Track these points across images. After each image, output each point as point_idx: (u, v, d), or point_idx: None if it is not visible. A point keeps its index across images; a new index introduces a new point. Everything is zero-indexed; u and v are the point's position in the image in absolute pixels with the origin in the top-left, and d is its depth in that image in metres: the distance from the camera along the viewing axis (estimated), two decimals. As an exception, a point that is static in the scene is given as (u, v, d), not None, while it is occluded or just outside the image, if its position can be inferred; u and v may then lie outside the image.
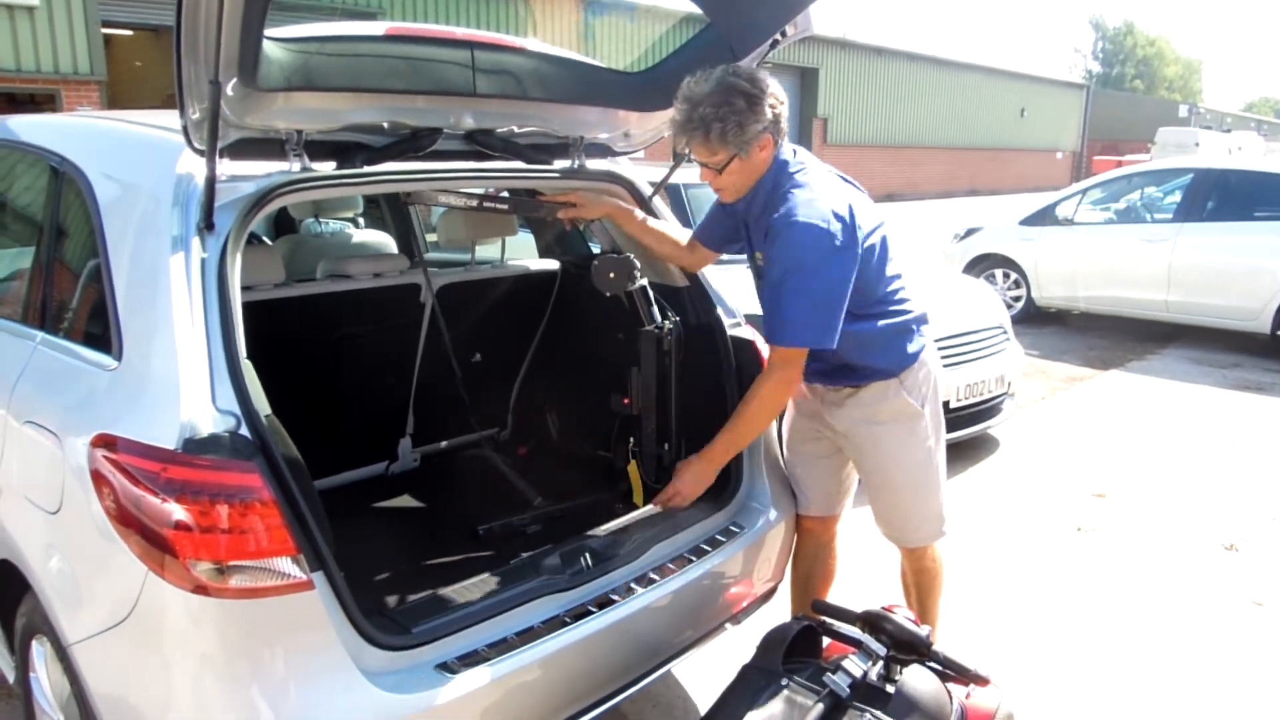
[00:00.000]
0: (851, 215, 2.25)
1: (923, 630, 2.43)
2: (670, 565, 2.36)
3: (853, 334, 2.32)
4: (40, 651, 2.20)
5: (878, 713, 2.15)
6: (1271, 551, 3.93)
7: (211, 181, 1.85)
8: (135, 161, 2.18)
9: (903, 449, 2.53)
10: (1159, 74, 66.48)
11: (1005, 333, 5.19)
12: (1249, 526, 4.18)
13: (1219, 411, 6.04)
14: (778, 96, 2.25)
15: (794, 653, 2.35)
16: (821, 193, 2.26)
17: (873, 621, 2.44)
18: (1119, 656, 3.12)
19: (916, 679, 2.23)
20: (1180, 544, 4.02)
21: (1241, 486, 4.70)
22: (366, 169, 2.17)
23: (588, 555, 2.32)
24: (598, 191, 2.69)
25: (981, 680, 2.47)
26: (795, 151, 2.36)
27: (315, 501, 1.81)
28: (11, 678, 2.41)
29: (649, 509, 2.59)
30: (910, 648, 2.42)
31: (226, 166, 1.96)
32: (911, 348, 2.49)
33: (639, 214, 2.67)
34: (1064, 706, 2.83)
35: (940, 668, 2.44)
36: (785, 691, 2.21)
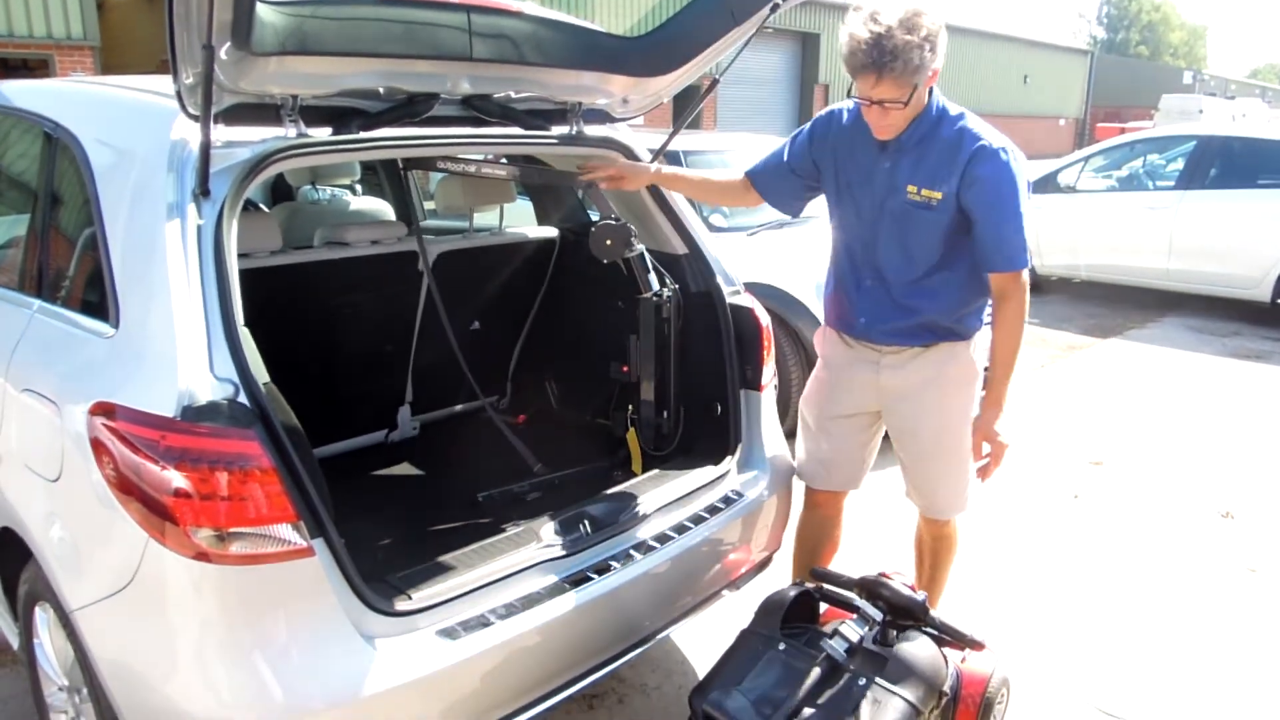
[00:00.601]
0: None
1: (919, 596, 2.45)
2: (669, 533, 2.37)
3: (963, 284, 2.41)
4: (43, 618, 2.21)
5: (874, 677, 2.17)
6: (1267, 519, 3.95)
7: (206, 147, 1.83)
8: (129, 127, 2.17)
9: (959, 412, 2.51)
10: (1164, 40, 65.77)
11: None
12: (1245, 494, 4.20)
13: (1218, 380, 6.04)
14: (939, 20, 2.23)
15: (791, 618, 2.37)
16: (987, 125, 2.32)
17: (870, 588, 2.46)
18: (1114, 622, 3.15)
19: (913, 644, 2.26)
20: (1177, 512, 4.04)
21: (1239, 455, 4.71)
22: (363, 135, 2.15)
23: (587, 522, 2.33)
24: (595, 158, 2.67)
25: (977, 645, 2.49)
26: None
27: (315, 469, 1.81)
28: (15, 644, 2.43)
29: (648, 476, 2.60)
30: (907, 613, 2.44)
31: (221, 132, 1.94)
32: (986, 311, 2.51)
33: (683, 171, 2.71)
34: (1059, 671, 2.86)
35: (936, 633, 2.46)
36: (783, 656, 2.24)
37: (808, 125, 2.57)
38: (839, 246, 2.57)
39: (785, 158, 2.56)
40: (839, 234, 2.56)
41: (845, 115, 2.47)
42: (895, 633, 2.34)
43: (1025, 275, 2.34)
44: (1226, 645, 3.01)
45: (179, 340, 1.74)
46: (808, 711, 2.07)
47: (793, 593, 2.42)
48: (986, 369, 2.52)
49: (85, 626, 1.86)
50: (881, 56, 2.11)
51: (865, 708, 2.08)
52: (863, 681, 2.14)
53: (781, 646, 2.26)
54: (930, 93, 2.30)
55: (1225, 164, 7.62)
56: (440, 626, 1.91)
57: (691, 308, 2.75)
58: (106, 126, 2.21)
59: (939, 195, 2.30)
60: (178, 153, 1.91)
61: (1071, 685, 2.80)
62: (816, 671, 2.17)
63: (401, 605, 1.89)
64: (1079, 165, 8.55)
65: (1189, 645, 3.01)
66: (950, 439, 2.54)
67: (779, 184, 2.60)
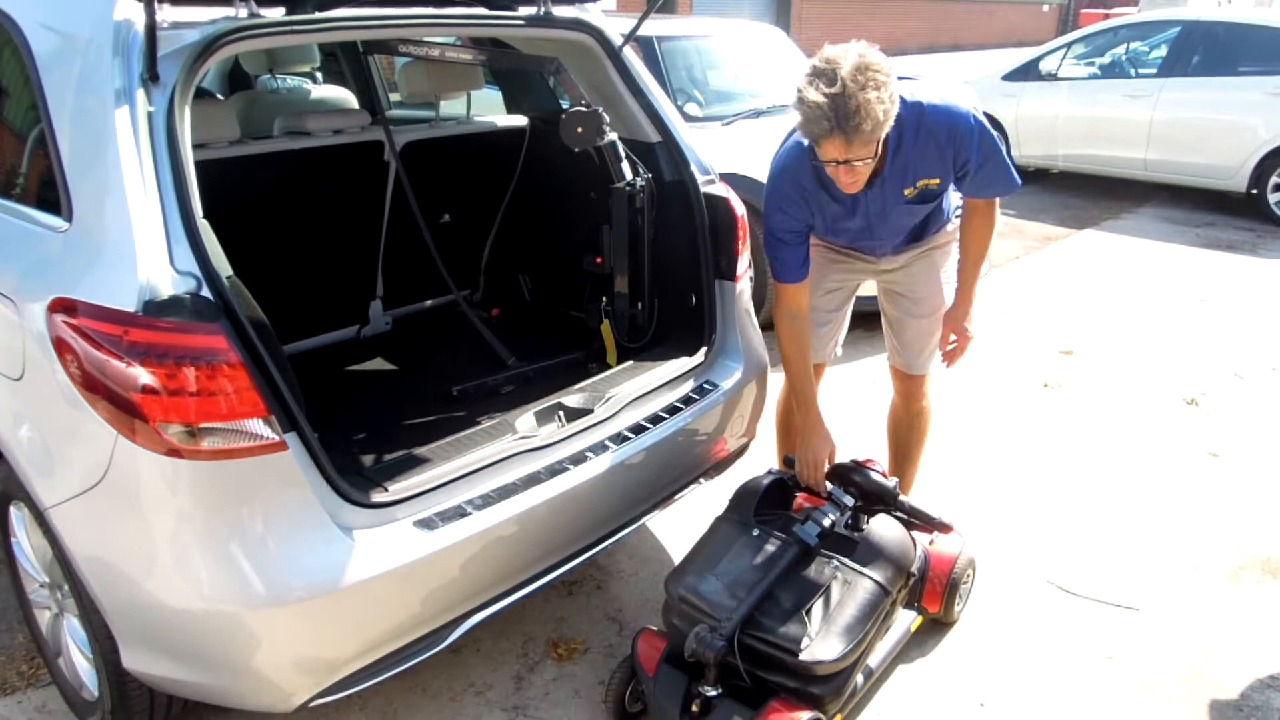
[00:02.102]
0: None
1: (890, 482, 2.50)
2: (645, 423, 2.38)
3: (949, 193, 2.54)
4: (19, 516, 2.22)
5: (843, 559, 2.23)
6: (1230, 406, 4.04)
7: (152, 29, 1.74)
8: (72, 8, 2.04)
9: (944, 274, 2.68)
10: (1152, -81, 63.87)
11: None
12: (1211, 382, 4.29)
13: (1190, 270, 6.08)
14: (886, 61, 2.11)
15: (765, 506, 2.42)
16: (933, 92, 2.29)
17: (842, 475, 2.51)
18: (1074, 504, 3.24)
19: (882, 527, 2.31)
20: (1143, 399, 4.12)
21: (1206, 343, 4.79)
22: (318, 14, 2.04)
23: (562, 414, 2.34)
24: (565, 42, 2.57)
25: (945, 528, 2.57)
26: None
27: (284, 364, 1.79)
28: (-7, 542, 2.43)
29: (623, 367, 2.60)
30: (877, 499, 2.50)
31: (168, 13, 1.85)
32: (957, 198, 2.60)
33: (812, 395, 2.56)
34: (1024, 551, 2.95)
35: (906, 516, 2.53)
36: (755, 541, 2.29)
37: (775, 202, 2.41)
38: (825, 239, 2.65)
39: (793, 244, 2.44)
40: (827, 238, 2.64)
41: (804, 174, 2.37)
42: (866, 517, 2.40)
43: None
44: (1181, 525, 3.12)
45: (136, 233, 1.68)
46: (779, 593, 2.14)
47: (766, 481, 2.46)
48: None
49: (60, 524, 1.86)
50: (846, 120, 1.99)
51: (835, 588, 2.14)
52: (833, 564, 2.20)
53: (755, 532, 2.31)
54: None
55: (1209, 50, 7.47)
56: (417, 518, 1.93)
57: (665, 197, 2.70)
58: (47, 8, 2.08)
59: (936, 181, 2.37)
60: (122, 35, 1.81)
61: (1028, 562, 2.89)
62: (788, 556, 2.23)
63: (378, 497, 1.90)
64: (1061, 52, 8.38)
65: (1144, 526, 3.11)
66: (935, 299, 2.69)
67: (802, 250, 2.47)
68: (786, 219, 2.40)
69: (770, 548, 2.26)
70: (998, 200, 2.48)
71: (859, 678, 2.16)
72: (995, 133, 2.33)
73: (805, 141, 2.26)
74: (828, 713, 2.05)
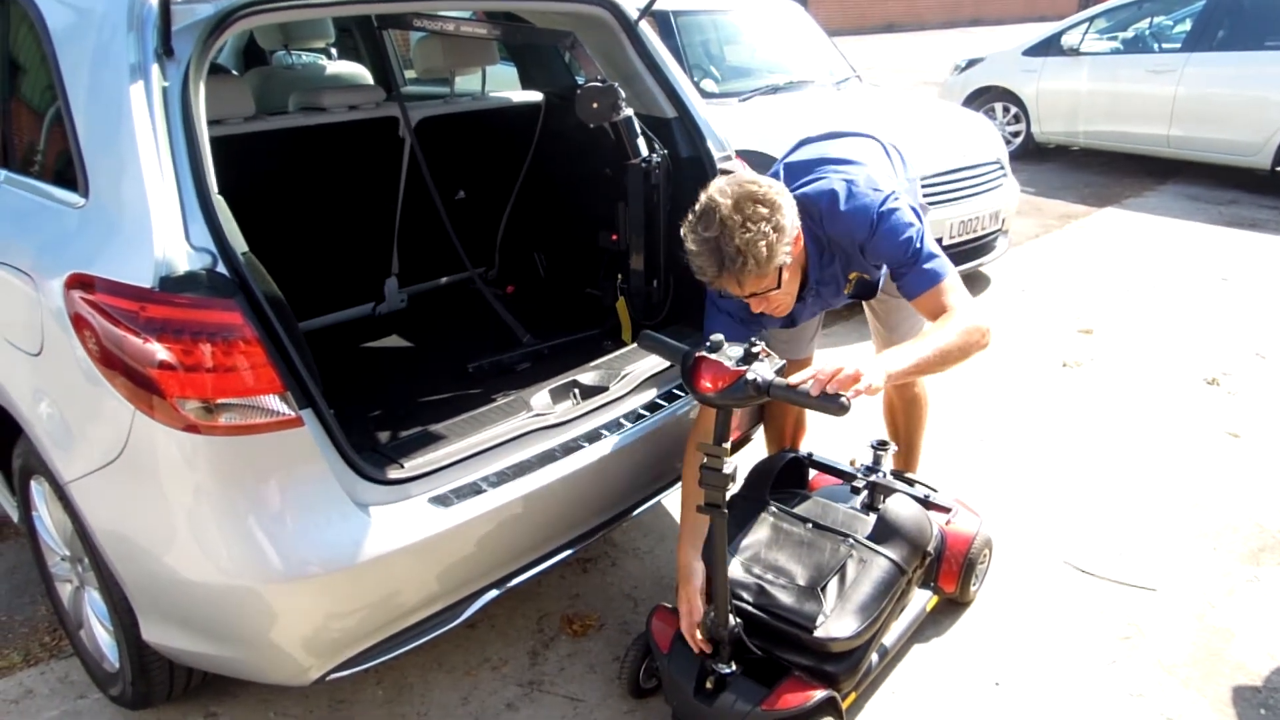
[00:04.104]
0: (869, 178, 2.14)
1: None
2: (660, 400, 2.38)
3: None
4: (39, 491, 2.24)
5: (859, 537, 2.23)
6: (1252, 386, 4.00)
7: (166, 3, 1.74)
8: (85, -17, 2.04)
9: None
10: (1179, -110, 62.61)
11: (1002, 168, 5.08)
12: (1232, 361, 4.24)
13: (1212, 248, 6.00)
14: (776, 185, 2.00)
15: (781, 484, 2.41)
16: (839, 183, 2.11)
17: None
18: (1096, 485, 3.22)
19: (898, 506, 2.30)
20: (1163, 378, 4.07)
21: (1228, 322, 4.73)
22: None
23: (577, 391, 2.34)
24: (581, 16, 2.55)
25: (942, 508, 2.55)
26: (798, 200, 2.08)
27: (300, 340, 1.79)
28: (15, 517, 2.46)
29: (636, 345, 2.59)
30: (894, 478, 2.49)
31: (182, -14, 1.83)
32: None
33: None
34: (1041, 531, 2.94)
35: (922, 496, 2.52)
36: (771, 519, 2.29)
37: (711, 310, 2.28)
38: None
39: (727, 325, 2.26)
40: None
41: (736, 306, 2.21)
42: (882, 496, 2.39)
43: (958, 293, 2.07)
44: (1201, 506, 3.09)
45: (152, 208, 1.68)
46: (794, 571, 2.13)
47: (783, 460, 2.46)
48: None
49: (80, 499, 1.88)
50: (730, 263, 1.88)
51: (850, 567, 2.14)
52: (849, 542, 2.20)
53: (771, 510, 2.30)
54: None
55: (1235, 24, 7.33)
56: (433, 494, 1.93)
57: (681, 174, 2.68)
58: (61, -17, 2.08)
59: (869, 274, 2.26)
60: (137, 10, 1.80)
61: (1045, 542, 2.88)
62: (803, 533, 2.22)
63: (394, 474, 1.91)
64: (1083, 26, 8.25)
65: (1163, 506, 3.09)
66: None
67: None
68: (716, 309, 2.27)
69: (786, 526, 2.26)
70: (966, 309, 2.03)
71: (874, 656, 2.16)
72: (914, 212, 2.10)
73: None
74: (842, 691, 2.05)
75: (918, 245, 2.08)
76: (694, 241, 1.93)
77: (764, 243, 1.89)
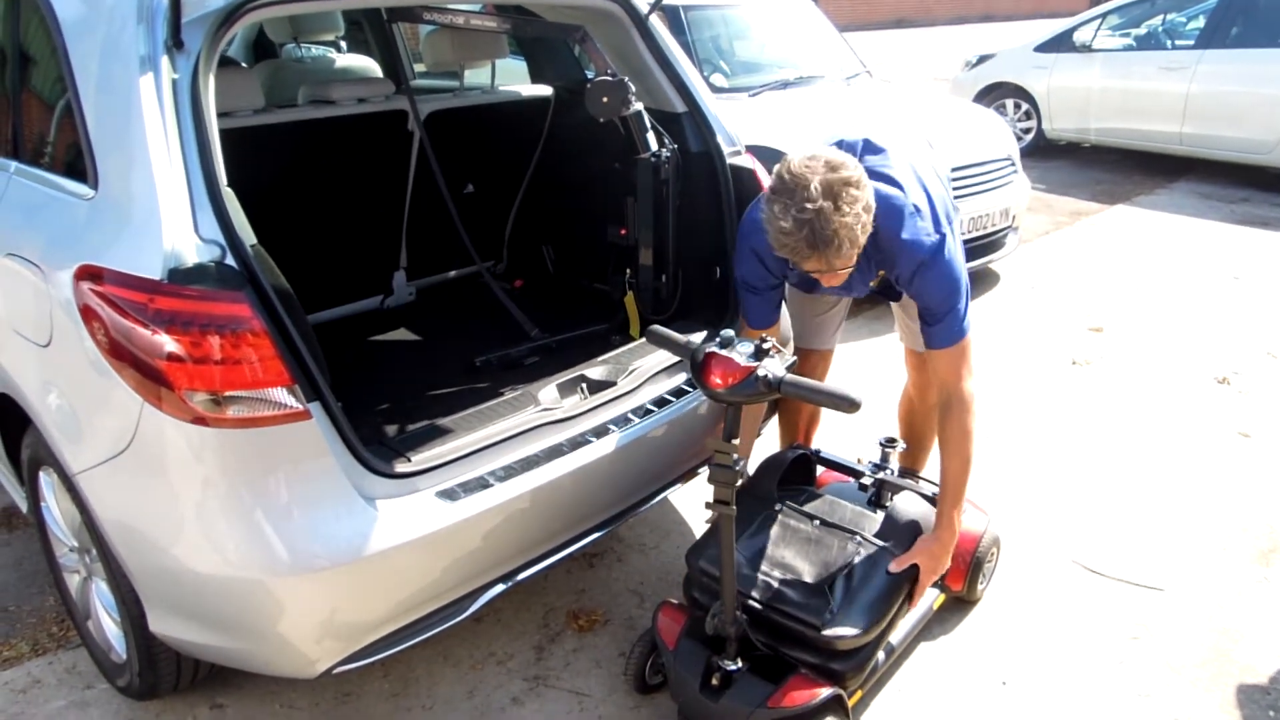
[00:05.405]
0: (930, 203, 2.13)
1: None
2: (667, 396, 2.37)
3: None
4: (48, 482, 2.24)
5: (867, 535, 2.22)
6: (1263, 385, 3.97)
7: (176, -5, 1.73)
8: (95, -26, 2.04)
9: None
10: (1193, -114, 62.16)
11: (1013, 165, 5.06)
12: (1243, 361, 4.21)
13: (1223, 247, 5.97)
14: (855, 164, 1.97)
15: (788, 480, 2.41)
16: (909, 207, 2.09)
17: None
18: (1105, 484, 3.21)
19: (904, 503, 2.29)
20: (1173, 377, 4.05)
21: (1239, 321, 4.70)
22: None
23: (585, 386, 2.33)
24: (591, 10, 2.54)
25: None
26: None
27: (308, 332, 1.79)
28: (24, 507, 2.47)
29: (644, 340, 2.59)
30: (901, 475, 2.48)
31: (192, -21, 1.82)
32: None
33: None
34: (1050, 530, 2.93)
35: (930, 494, 2.51)
36: (778, 515, 2.28)
37: (740, 256, 2.31)
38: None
39: (762, 292, 2.33)
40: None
41: (769, 254, 2.19)
42: (890, 493, 2.38)
43: (968, 383, 2.18)
44: (1210, 506, 3.07)
45: (161, 200, 1.68)
46: (802, 567, 2.13)
47: (790, 455, 2.45)
48: None
49: (88, 489, 1.88)
50: (823, 245, 1.88)
51: (858, 564, 2.13)
52: (856, 540, 2.19)
53: (777, 507, 2.30)
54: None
55: (1248, 22, 7.27)
56: (440, 488, 1.93)
57: (691, 169, 2.67)
58: (71, -25, 2.08)
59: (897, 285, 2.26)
60: (147, 2, 1.80)
61: (1053, 541, 2.86)
62: (811, 530, 2.22)
63: (401, 467, 1.91)
64: (1095, 23, 8.19)
65: (1172, 506, 3.07)
66: None
67: (770, 302, 2.37)
68: (751, 272, 2.30)
69: (793, 522, 2.25)
70: (968, 400, 2.18)
71: (880, 654, 2.16)
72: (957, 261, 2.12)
73: None
74: (849, 689, 2.04)
75: (954, 303, 2.12)
76: (787, 220, 1.88)
77: (859, 226, 1.90)
